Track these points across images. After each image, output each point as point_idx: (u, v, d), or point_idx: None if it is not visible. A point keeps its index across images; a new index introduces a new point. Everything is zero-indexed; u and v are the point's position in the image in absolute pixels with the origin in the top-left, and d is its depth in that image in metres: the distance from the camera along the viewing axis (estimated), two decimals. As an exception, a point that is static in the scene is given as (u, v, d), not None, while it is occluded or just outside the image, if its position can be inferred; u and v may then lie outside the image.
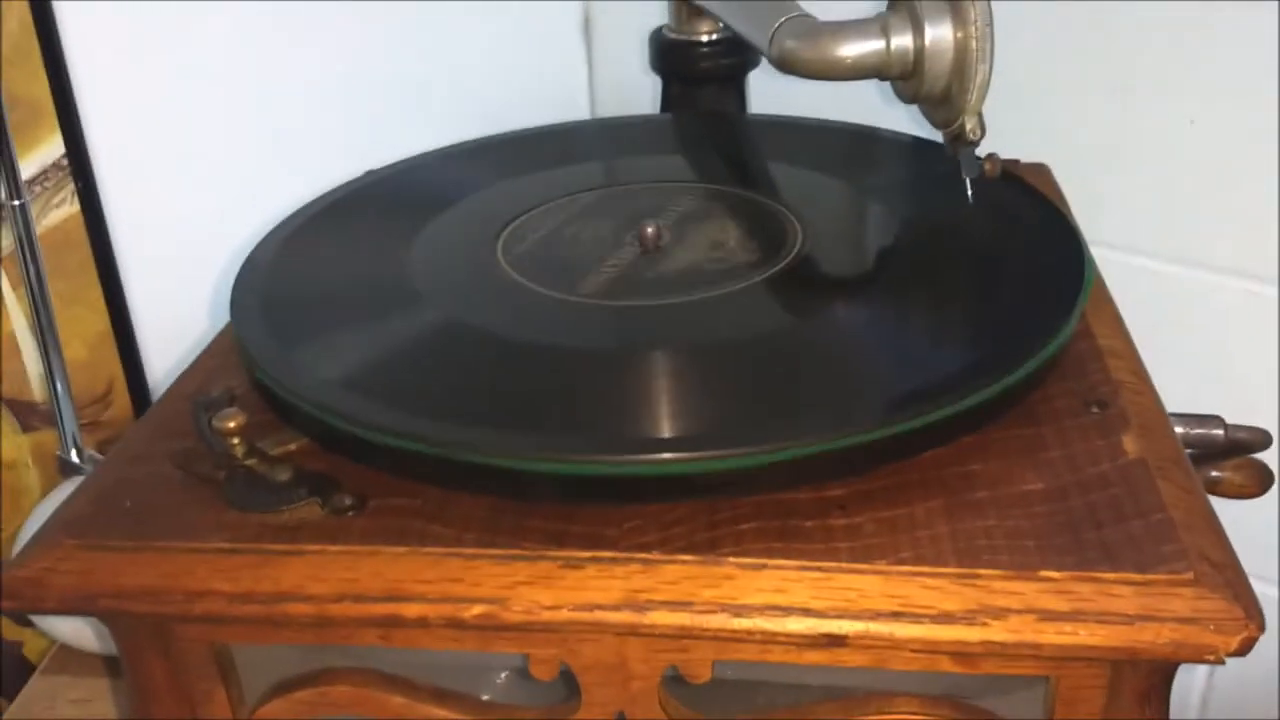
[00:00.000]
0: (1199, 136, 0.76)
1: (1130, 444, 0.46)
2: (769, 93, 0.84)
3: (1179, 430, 0.56)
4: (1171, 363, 0.81)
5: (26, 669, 0.80)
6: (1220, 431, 0.58)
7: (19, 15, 0.74)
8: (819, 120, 0.76)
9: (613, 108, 1.06)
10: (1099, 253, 0.82)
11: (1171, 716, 0.91)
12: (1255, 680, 0.87)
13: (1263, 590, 0.81)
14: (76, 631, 0.75)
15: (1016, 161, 0.75)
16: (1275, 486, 0.79)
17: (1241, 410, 0.79)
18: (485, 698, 0.61)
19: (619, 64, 1.01)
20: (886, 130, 0.73)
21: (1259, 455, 0.66)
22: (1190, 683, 0.90)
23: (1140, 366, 0.53)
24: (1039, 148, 0.81)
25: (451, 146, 0.74)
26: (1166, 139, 0.77)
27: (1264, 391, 0.79)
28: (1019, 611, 0.39)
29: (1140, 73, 0.77)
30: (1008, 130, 0.82)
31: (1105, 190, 0.81)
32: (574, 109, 1.07)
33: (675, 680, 0.45)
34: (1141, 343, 0.82)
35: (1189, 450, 0.60)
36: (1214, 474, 0.63)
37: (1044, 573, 0.40)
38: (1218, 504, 0.65)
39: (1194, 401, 0.81)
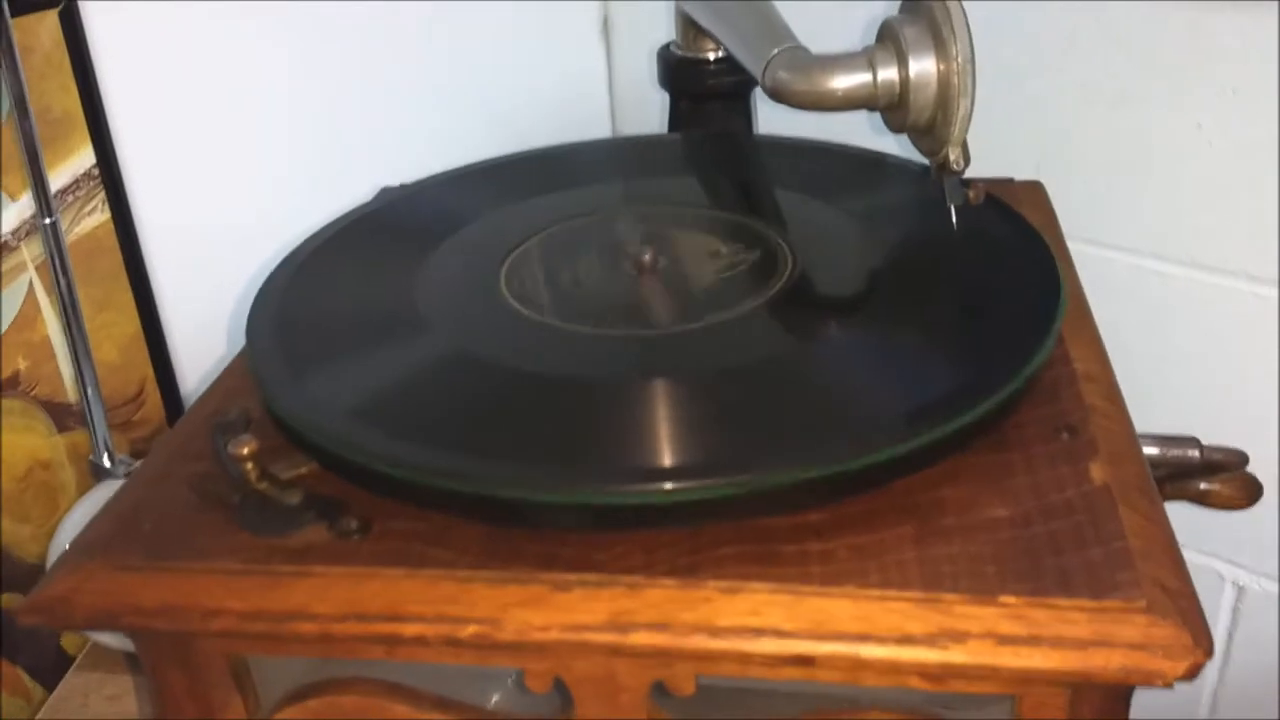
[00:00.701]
0: (1206, 141, 0.77)
1: (1097, 471, 0.48)
2: (775, 108, 0.85)
3: (1154, 451, 0.58)
4: (1177, 362, 0.83)
5: (64, 660, 0.82)
6: (1196, 452, 0.59)
7: (50, 31, 0.76)
8: (816, 141, 0.77)
9: (632, 108, 1.07)
10: (1107, 254, 0.84)
11: (1181, 717, 0.93)
12: (1265, 678, 0.89)
13: (1266, 588, 0.83)
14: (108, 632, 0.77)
15: (1011, 180, 0.77)
16: (1277, 484, 0.81)
17: (1244, 409, 0.81)
18: (495, 698, 0.63)
19: (638, 64, 1.03)
20: (876, 152, 0.75)
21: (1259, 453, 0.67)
22: (1199, 682, 0.92)
23: (1115, 391, 0.54)
24: (1050, 152, 0.83)
25: (459, 169, 0.77)
26: (1174, 144, 0.79)
27: (1266, 392, 0.81)
28: (978, 635, 0.41)
29: (1148, 80, 0.78)
30: (1019, 136, 0.84)
31: (1115, 193, 0.82)
32: (594, 109, 1.09)
33: (662, 691, 0.47)
34: (1147, 342, 0.84)
35: (1165, 470, 0.62)
36: (1203, 486, 0.65)
37: (1002, 598, 0.42)
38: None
39: (1198, 401, 0.83)
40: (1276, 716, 0.89)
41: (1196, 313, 0.82)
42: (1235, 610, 0.89)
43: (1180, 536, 0.86)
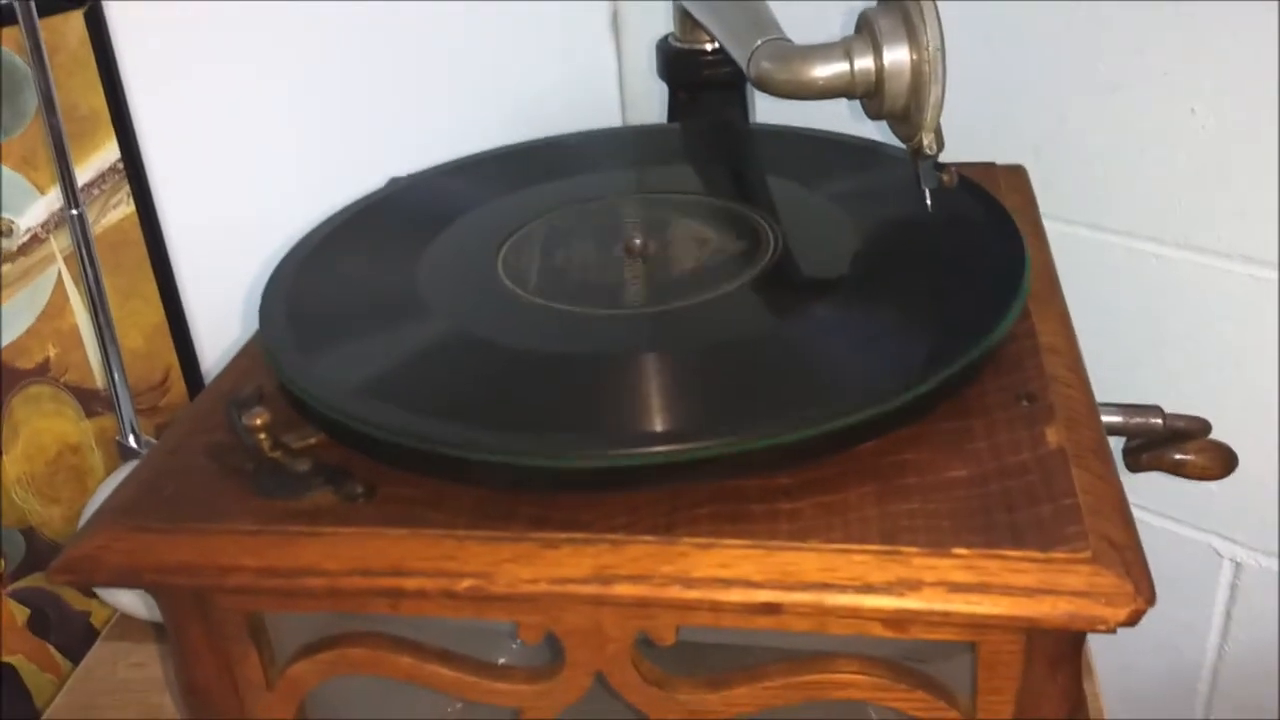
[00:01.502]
0: (1200, 124, 0.79)
1: (1052, 435, 0.50)
2: (775, 99, 0.87)
3: (1118, 419, 0.61)
4: (1174, 344, 0.85)
5: (93, 636, 0.85)
6: (1159, 420, 0.61)
7: (76, 31, 0.79)
8: (807, 129, 0.79)
9: (641, 100, 1.09)
10: (1104, 238, 0.86)
11: (1176, 716, 0.94)
12: (1265, 655, 0.91)
13: (1264, 564, 0.85)
14: (133, 601, 0.80)
15: (993, 164, 0.78)
16: (1277, 462, 0.83)
17: (1242, 391, 0.83)
18: (502, 661, 0.67)
19: (647, 58, 1.05)
20: (861, 139, 0.77)
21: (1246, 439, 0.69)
22: (1199, 658, 0.94)
23: (1078, 363, 0.57)
24: (1046, 137, 0.85)
25: (459, 159, 0.79)
26: (1169, 128, 0.80)
27: (1264, 373, 0.82)
28: (931, 584, 0.44)
29: (1143, 64, 0.80)
30: (1015, 121, 0.85)
31: (1110, 177, 0.84)
32: (604, 102, 1.11)
33: (647, 643, 0.50)
34: (1144, 325, 0.85)
35: (1137, 440, 0.65)
36: (1178, 457, 0.67)
37: (956, 550, 0.45)
38: (1226, 483, 0.68)
39: (1196, 383, 0.85)
40: (1277, 692, 0.91)
41: (1193, 295, 0.83)
42: (1233, 587, 0.91)
43: (1178, 514, 0.90)
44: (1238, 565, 0.90)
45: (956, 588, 0.44)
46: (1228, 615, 0.92)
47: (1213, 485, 0.78)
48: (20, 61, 0.76)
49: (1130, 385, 0.87)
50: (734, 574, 0.46)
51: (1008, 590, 0.44)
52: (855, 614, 0.45)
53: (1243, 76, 0.76)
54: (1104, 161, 0.84)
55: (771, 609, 0.45)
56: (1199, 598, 0.92)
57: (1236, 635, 0.92)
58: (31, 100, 0.76)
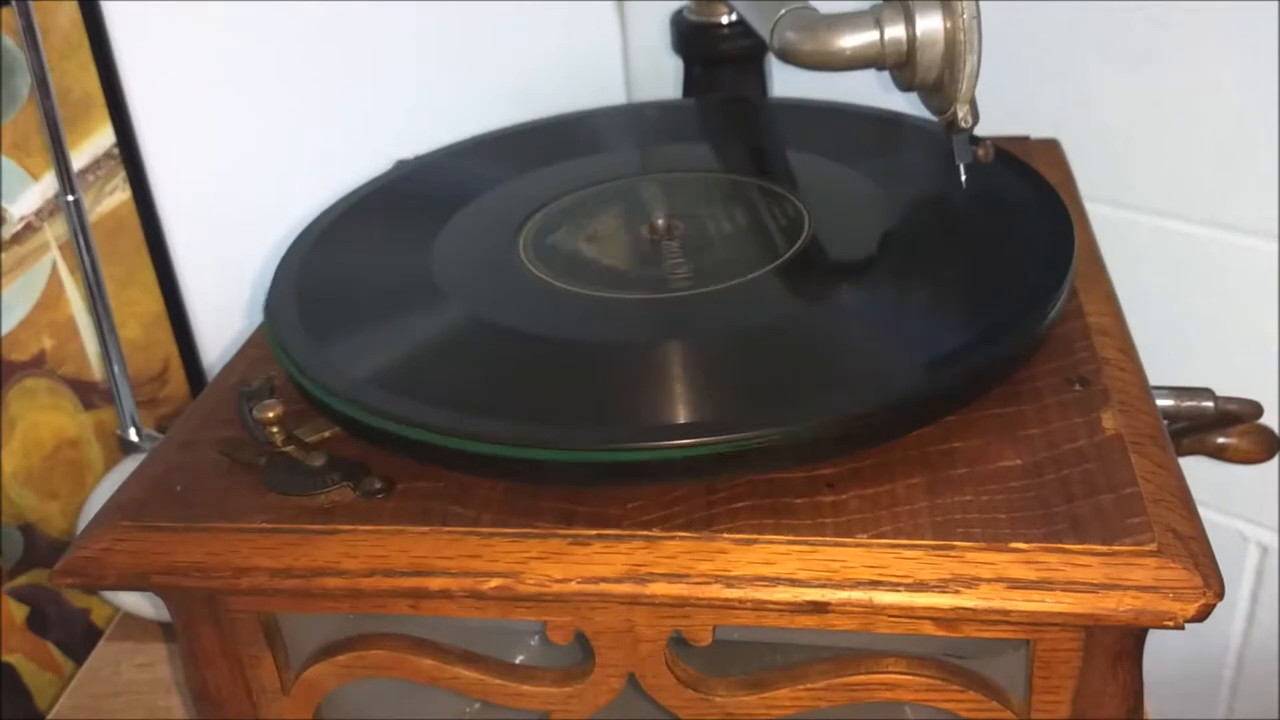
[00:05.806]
0: (1227, 99, 0.77)
1: (1109, 420, 0.48)
2: (793, 72, 0.85)
3: (1169, 403, 0.58)
4: (1201, 323, 0.83)
5: (94, 634, 0.83)
6: (1210, 403, 0.59)
7: (69, 13, 0.77)
8: (831, 103, 0.77)
9: (646, 75, 1.07)
10: (1130, 215, 0.84)
11: (1201, 700, 0.93)
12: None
13: (1268, 540, 0.83)
14: (137, 599, 0.78)
15: (1026, 138, 0.77)
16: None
17: (1270, 369, 0.81)
18: (520, 659, 0.64)
19: (652, 31, 1.03)
20: (892, 112, 0.74)
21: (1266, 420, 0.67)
22: (1224, 642, 0.92)
23: (1128, 344, 0.55)
24: (1070, 113, 0.83)
25: (472, 138, 0.77)
26: (1195, 103, 0.78)
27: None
28: (989, 580, 0.42)
29: (1168, 38, 0.78)
30: (1038, 97, 0.84)
31: (1136, 154, 0.82)
32: (608, 77, 1.09)
33: (681, 643, 0.48)
34: (1172, 303, 0.84)
35: (1182, 423, 0.62)
36: (1220, 440, 0.65)
37: (1014, 544, 0.43)
38: (1252, 466, 0.67)
39: (1222, 361, 0.83)
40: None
41: (1220, 273, 0.82)
42: (1259, 571, 0.89)
43: (1204, 497, 0.87)
44: (1264, 549, 0.88)
45: (1016, 584, 0.42)
46: (1253, 599, 0.91)
47: (1239, 468, 0.76)
48: (12, 44, 0.74)
49: (1155, 364, 0.85)
50: (778, 572, 0.44)
51: (1070, 586, 0.42)
52: (907, 613, 0.43)
53: (1271, 51, 0.74)
54: (1128, 137, 0.82)
55: (818, 608, 0.43)
56: (1224, 582, 0.91)
57: (1261, 620, 0.91)
58: (24, 84, 0.74)
